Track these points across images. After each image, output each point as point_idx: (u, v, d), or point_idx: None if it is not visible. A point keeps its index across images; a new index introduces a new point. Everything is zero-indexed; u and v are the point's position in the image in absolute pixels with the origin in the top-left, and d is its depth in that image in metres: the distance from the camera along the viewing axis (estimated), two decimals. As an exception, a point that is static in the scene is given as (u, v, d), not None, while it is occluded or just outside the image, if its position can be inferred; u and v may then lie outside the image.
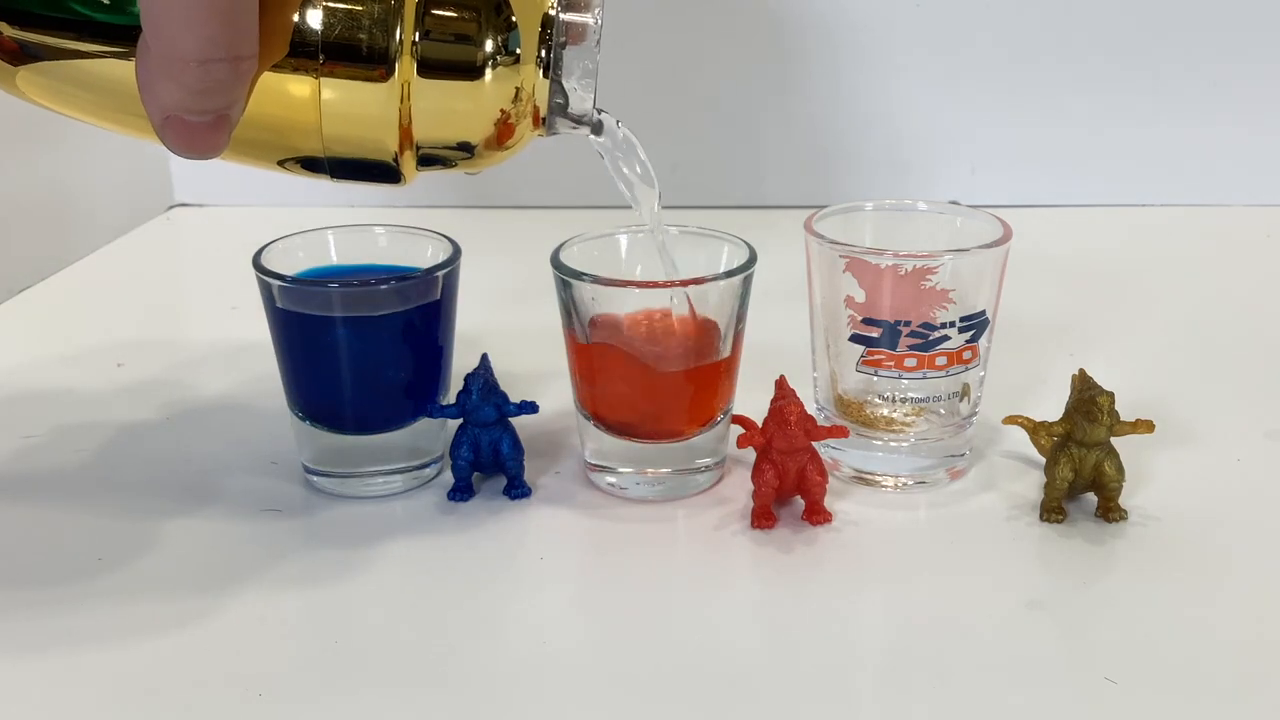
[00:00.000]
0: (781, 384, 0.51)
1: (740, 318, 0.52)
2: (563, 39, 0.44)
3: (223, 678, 0.43)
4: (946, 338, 0.51)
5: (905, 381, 0.52)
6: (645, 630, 0.45)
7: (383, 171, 0.43)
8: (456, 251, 0.54)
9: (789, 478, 0.50)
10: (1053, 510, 0.51)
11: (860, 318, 0.52)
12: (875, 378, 0.52)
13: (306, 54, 0.40)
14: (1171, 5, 0.88)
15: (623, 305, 0.52)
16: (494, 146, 0.44)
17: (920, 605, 0.46)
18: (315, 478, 0.54)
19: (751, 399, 0.54)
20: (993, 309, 0.53)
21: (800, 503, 0.52)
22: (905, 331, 0.51)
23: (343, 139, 0.42)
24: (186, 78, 0.37)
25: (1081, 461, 0.50)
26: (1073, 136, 0.91)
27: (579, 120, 0.46)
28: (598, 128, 0.47)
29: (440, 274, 0.52)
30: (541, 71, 0.43)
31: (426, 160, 0.44)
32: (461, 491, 0.53)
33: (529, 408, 0.52)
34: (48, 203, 0.81)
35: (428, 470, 0.55)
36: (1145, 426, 0.51)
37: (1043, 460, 0.53)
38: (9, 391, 0.65)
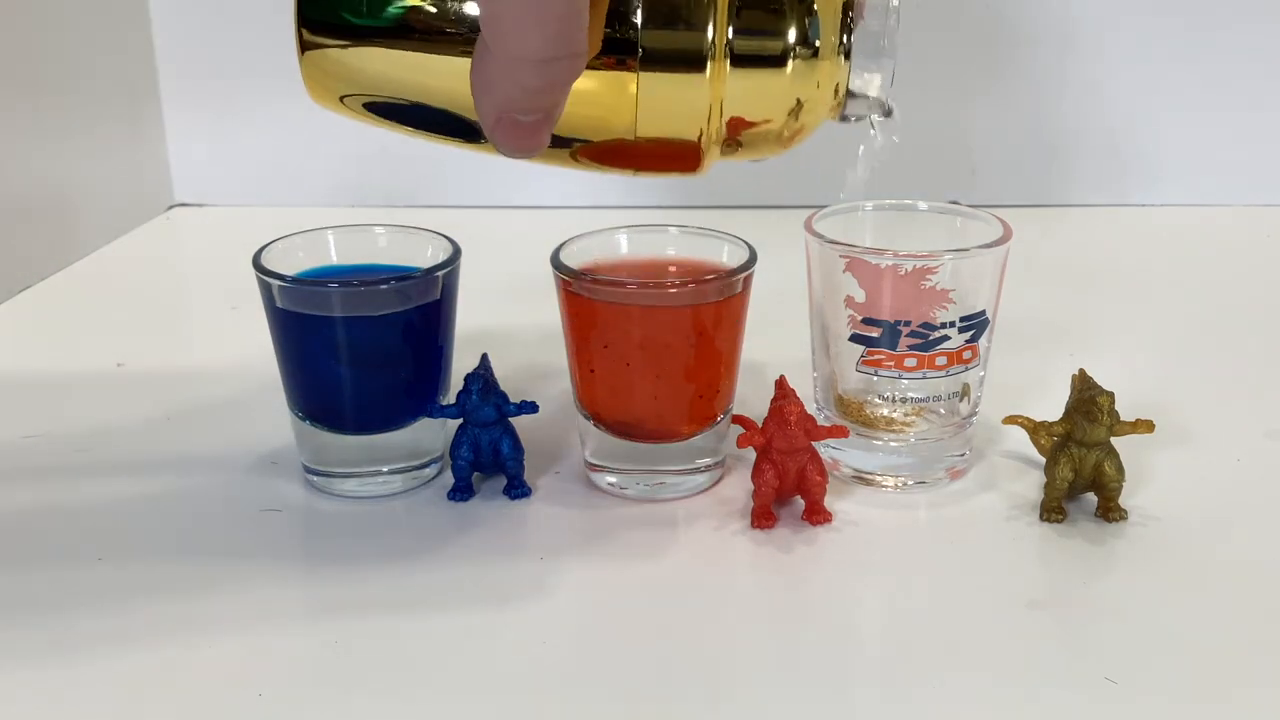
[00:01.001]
0: (781, 384, 0.51)
1: (740, 318, 0.52)
2: (860, 22, 0.44)
3: (223, 678, 0.43)
4: (946, 338, 0.51)
5: (905, 381, 0.52)
6: (645, 630, 0.45)
7: (686, 162, 0.44)
8: (456, 251, 0.54)
9: (789, 478, 0.50)
10: (1053, 510, 0.51)
11: (860, 318, 0.52)
12: (875, 378, 0.52)
13: (623, 50, 0.41)
14: (1171, 5, 0.88)
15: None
16: (788, 134, 0.45)
17: (920, 605, 0.46)
18: (315, 478, 0.54)
19: (751, 399, 0.54)
20: (993, 309, 0.53)
21: (800, 503, 0.52)
22: (905, 331, 0.51)
23: (653, 132, 0.43)
24: (527, 77, 0.38)
25: (1081, 461, 0.50)
26: (1072, 136, 0.91)
27: (874, 106, 0.46)
28: (889, 112, 0.48)
29: (440, 274, 0.52)
30: (842, 57, 0.44)
31: (729, 153, 0.45)
32: (461, 491, 0.53)
33: (529, 408, 0.52)
34: (48, 203, 0.81)
35: (428, 470, 0.55)
36: (1145, 426, 0.51)
37: (1043, 460, 0.53)
38: (9, 391, 0.65)
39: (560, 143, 0.43)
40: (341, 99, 0.45)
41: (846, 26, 0.44)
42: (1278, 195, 0.91)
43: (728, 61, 0.42)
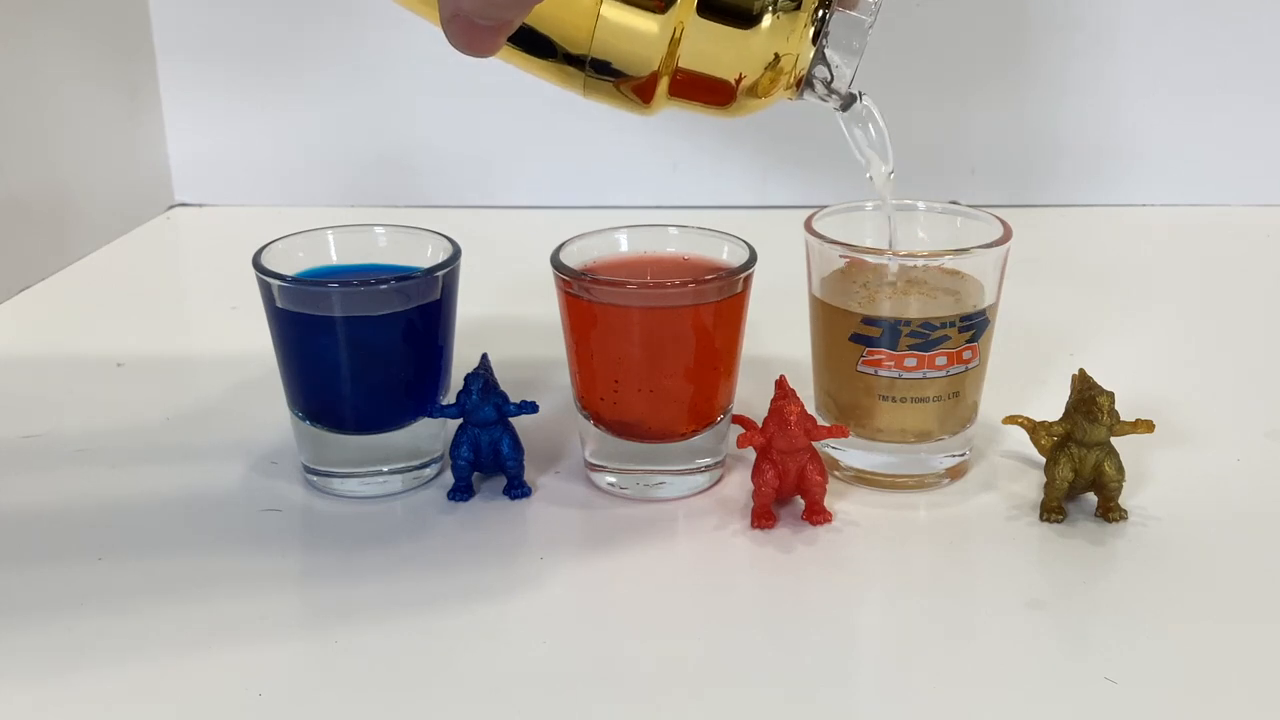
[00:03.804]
0: (781, 384, 0.51)
1: (740, 318, 0.52)
2: (837, 9, 0.44)
3: (223, 678, 0.43)
4: (946, 338, 0.51)
5: (905, 381, 0.52)
6: (645, 630, 0.45)
7: (636, 93, 0.44)
8: (456, 251, 0.54)
9: (789, 478, 0.50)
10: (1053, 510, 0.51)
11: (860, 318, 0.52)
12: (875, 378, 0.52)
13: None
14: (1171, 4, 0.88)
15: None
16: (747, 96, 0.45)
17: (920, 605, 0.46)
18: (315, 478, 0.54)
19: (751, 399, 0.54)
20: (993, 309, 0.53)
21: (800, 503, 0.52)
22: (905, 331, 0.51)
23: (607, 56, 0.43)
24: None
25: (1081, 461, 0.50)
26: (1073, 136, 0.91)
27: (833, 93, 0.46)
28: (848, 104, 0.48)
29: (440, 274, 0.52)
30: (811, 36, 0.44)
31: (679, 95, 0.44)
32: (461, 491, 0.53)
33: (529, 408, 0.52)
34: (48, 203, 0.81)
35: (428, 470, 0.55)
36: (1145, 426, 0.51)
37: (1043, 460, 0.53)
38: (9, 392, 0.65)
39: (517, 40, 0.43)
40: None
41: (826, 3, 0.43)
42: (1278, 195, 0.91)
43: (694, 6, 0.42)
